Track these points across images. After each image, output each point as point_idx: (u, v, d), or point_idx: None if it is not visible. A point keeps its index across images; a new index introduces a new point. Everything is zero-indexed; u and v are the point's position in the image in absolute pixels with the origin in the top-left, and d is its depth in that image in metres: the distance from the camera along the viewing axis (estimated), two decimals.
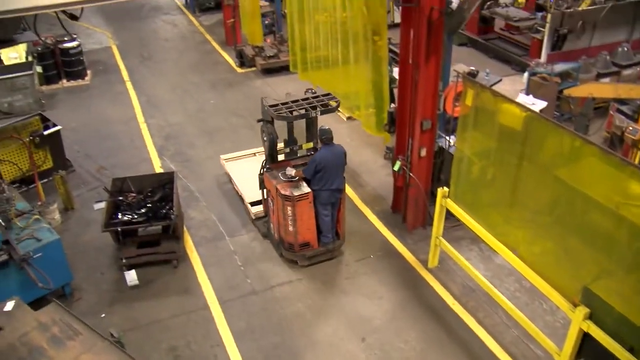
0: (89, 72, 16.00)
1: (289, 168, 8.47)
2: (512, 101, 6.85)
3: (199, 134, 12.58)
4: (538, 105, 10.42)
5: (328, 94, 9.00)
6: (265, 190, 8.95)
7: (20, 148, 10.19)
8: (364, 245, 9.16)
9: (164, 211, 8.75)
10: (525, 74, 12.83)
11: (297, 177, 8.35)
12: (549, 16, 14.02)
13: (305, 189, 8.29)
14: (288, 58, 14.08)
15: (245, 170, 10.49)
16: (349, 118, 12.79)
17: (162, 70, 16.33)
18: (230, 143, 12.07)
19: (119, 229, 8.43)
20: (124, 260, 8.57)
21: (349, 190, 10.42)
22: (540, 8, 16.31)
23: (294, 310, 8.00)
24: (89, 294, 8.34)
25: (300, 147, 9.09)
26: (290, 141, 9.02)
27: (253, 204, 9.75)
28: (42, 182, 10.25)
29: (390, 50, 11.11)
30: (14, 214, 7.89)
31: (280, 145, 9.02)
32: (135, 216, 8.68)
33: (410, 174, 8.83)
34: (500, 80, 11.55)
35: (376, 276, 8.54)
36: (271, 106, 8.49)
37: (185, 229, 9.48)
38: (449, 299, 8.08)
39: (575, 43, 14.16)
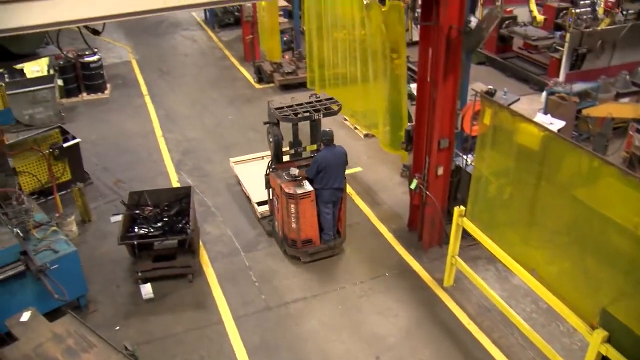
0: (108, 85, 16.19)
1: (292, 168, 8.86)
2: (530, 120, 6.82)
3: (217, 149, 12.64)
4: (556, 124, 10.37)
5: (331, 98, 9.39)
6: (270, 189, 9.31)
7: (39, 160, 10.30)
8: (380, 262, 9.12)
9: (180, 225, 8.76)
10: (544, 93, 12.78)
11: (300, 177, 8.72)
12: (568, 35, 14.00)
13: (308, 187, 8.65)
14: (306, 75, 14.16)
15: (252, 173, 10.92)
16: (366, 135, 12.79)
17: (181, 85, 16.46)
18: None
19: (135, 242, 8.46)
20: (139, 274, 8.60)
21: (365, 208, 10.42)
22: (558, 27, 16.31)
23: (309, 327, 7.97)
24: (104, 307, 8.37)
25: (305, 149, 9.53)
26: (295, 143, 9.48)
27: (259, 203, 10.13)
28: (60, 194, 10.33)
29: (409, 68, 11.12)
30: (32, 225, 7.94)
31: (286, 147, 9.39)
32: (152, 230, 8.71)
33: (427, 193, 8.80)
34: (518, 99, 11.51)
35: (391, 294, 8.50)
36: (277, 109, 8.95)
37: (201, 243, 9.50)
38: (464, 319, 8.01)
39: (595, 62, 14.10)
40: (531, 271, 6.84)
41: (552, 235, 6.65)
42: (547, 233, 6.74)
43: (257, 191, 10.22)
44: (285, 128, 9.17)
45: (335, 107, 9.09)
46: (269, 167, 9.22)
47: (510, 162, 7.12)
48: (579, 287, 6.29)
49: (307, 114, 8.91)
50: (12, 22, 5.32)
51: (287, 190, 8.57)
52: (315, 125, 9.30)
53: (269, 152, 9.52)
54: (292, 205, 8.62)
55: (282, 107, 9.01)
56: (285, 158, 9.36)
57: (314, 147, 9.43)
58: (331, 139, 8.66)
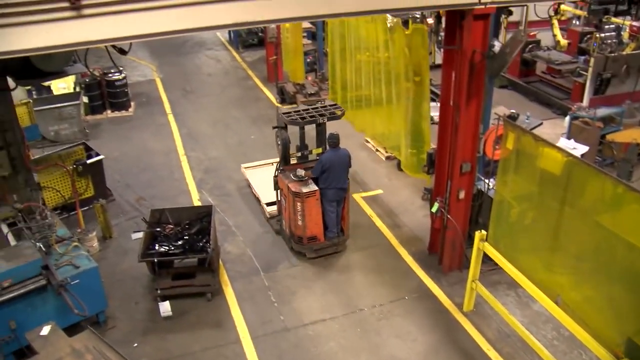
0: (132, 103, 16.39)
1: (299, 169, 9.46)
2: (553, 145, 6.78)
3: (238, 168, 12.67)
4: (579, 150, 10.28)
5: (335, 105, 10.14)
6: (279, 190, 9.91)
7: (63, 175, 10.43)
8: (399, 285, 9.07)
9: (201, 244, 8.79)
10: (567, 118, 12.69)
11: (307, 177, 9.33)
12: (592, 60, 13.90)
13: (313, 187, 9.25)
14: (328, 96, 14.22)
15: (262, 177, 11.58)
16: (387, 158, 12.77)
17: (204, 104, 16.61)
18: None
19: (156, 260, 8.50)
20: (158, 291, 8.63)
21: (385, 231, 10.39)
22: (582, 52, 16.23)
23: (327, 349, 7.92)
24: (122, 323, 8.39)
25: (311, 152, 10.17)
26: (302, 146, 10.14)
27: (268, 204, 10.76)
28: (82, 209, 10.45)
29: (431, 91, 11.14)
30: (54, 240, 8.01)
31: (293, 151, 10.04)
32: (172, 248, 8.75)
33: (448, 216, 8.75)
34: (541, 123, 11.46)
35: (410, 317, 8.42)
36: (284, 113, 9.63)
37: (220, 262, 9.52)
38: (483, 344, 7.91)
39: (619, 87, 13.97)
40: (555, 297, 6.74)
41: (575, 261, 6.58)
42: (570, 259, 6.66)
43: (266, 193, 10.85)
44: (293, 133, 9.86)
45: (338, 112, 9.73)
46: (277, 169, 9.83)
47: (532, 187, 7.07)
48: (603, 314, 6.19)
49: (313, 118, 9.51)
50: (44, 41, 5.42)
51: (293, 189, 9.17)
52: (321, 129, 9.87)
53: (277, 159, 10.05)
54: (299, 204, 9.20)
55: (290, 112, 9.68)
56: (293, 161, 10.01)
57: (320, 150, 9.98)
58: (337, 142, 9.24)
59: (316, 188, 9.23)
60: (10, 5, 5.20)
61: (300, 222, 9.35)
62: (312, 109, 9.84)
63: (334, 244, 9.72)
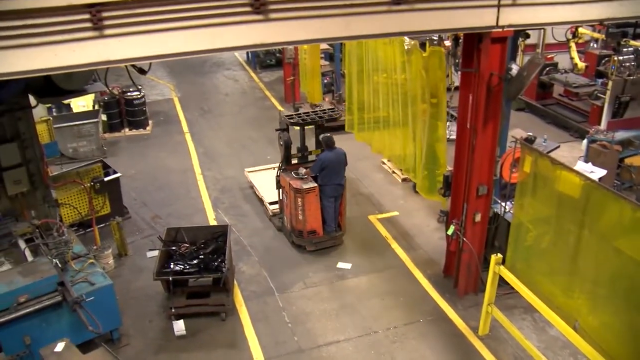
0: (150, 122, 16.55)
1: (300, 168, 10.30)
2: (570, 169, 6.73)
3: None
4: (597, 173, 10.18)
5: (332, 109, 11.07)
6: (281, 189, 10.66)
7: (80, 192, 10.51)
8: (414, 308, 9.00)
9: (216, 263, 8.79)
10: (585, 141, 12.62)
11: (307, 175, 10.11)
12: (610, 83, 13.86)
13: (313, 184, 10.05)
14: (345, 117, 14.25)
15: (264, 180, 12.33)
16: (404, 179, 12.75)
17: (221, 124, 16.72)
18: None
19: (170, 279, 8.51)
20: (173, 310, 8.62)
21: (401, 253, 10.35)
22: (600, 75, 16.15)
23: None
24: (136, 341, 8.39)
25: (310, 153, 10.94)
26: (302, 148, 10.91)
27: (271, 203, 11.53)
28: (99, 226, 10.52)
29: (448, 113, 11.15)
30: (70, 256, 8.07)
31: (294, 152, 10.83)
32: (187, 267, 8.76)
33: (464, 239, 8.70)
34: (558, 146, 11.39)
35: (425, 341, 8.35)
36: (286, 116, 10.60)
37: (235, 282, 9.50)
38: None
39: (638, 110, 13.89)
40: (573, 323, 6.65)
41: (593, 286, 6.49)
42: (588, 284, 6.58)
43: (268, 194, 11.71)
44: (294, 135, 10.71)
45: (335, 116, 10.82)
46: (279, 169, 10.63)
47: (550, 211, 7.01)
48: (622, 341, 6.09)
49: (313, 120, 10.49)
50: (66, 60, 5.51)
51: (295, 186, 9.97)
52: (320, 131, 10.69)
53: (278, 164, 10.96)
54: (299, 199, 9.97)
55: (292, 115, 10.66)
56: (294, 161, 10.79)
57: (319, 151, 10.70)
58: (333, 143, 10.15)
59: (315, 185, 10.01)
60: (34, 25, 5.29)
61: (300, 217, 10.12)
62: (312, 112, 10.94)
63: (332, 238, 10.49)
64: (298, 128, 10.75)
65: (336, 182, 10.13)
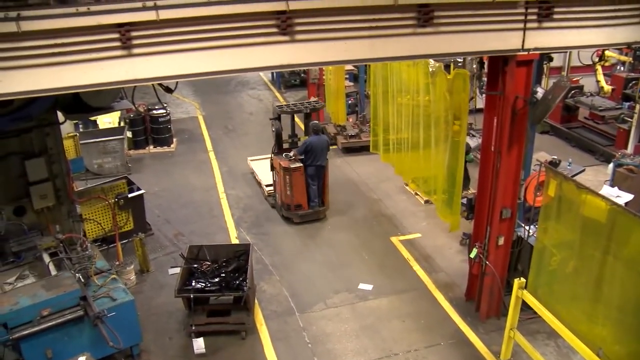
0: (175, 139, 16.71)
1: (292, 151, 12.00)
2: (596, 193, 6.65)
3: None
4: (623, 198, 10.05)
5: (317, 101, 13.44)
6: (274, 171, 12.42)
7: (104, 208, 10.61)
8: (435, 331, 8.91)
9: (237, 282, 8.80)
10: (610, 165, 12.48)
11: (294, 157, 11.79)
12: (638, 106, 13.72)
13: (299, 164, 11.79)
14: (369, 138, 14.31)
15: (263, 167, 13.69)
16: (426, 202, 12.68)
17: (245, 143, 16.82)
18: None
19: (192, 296, 8.53)
20: (193, 327, 8.64)
21: (422, 275, 10.28)
22: (627, 98, 16.01)
23: None
24: (156, 357, 8.41)
25: (299, 139, 12.87)
26: (292, 134, 13.00)
27: (267, 185, 13.30)
28: (122, 242, 10.60)
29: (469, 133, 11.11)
30: (93, 271, 8.13)
31: (285, 138, 12.80)
32: (209, 284, 8.77)
33: (487, 262, 8.62)
34: (583, 170, 11.29)
35: None
36: (278, 106, 12.82)
37: (256, 301, 9.49)
38: None
39: None
40: (597, 350, 6.53)
41: (618, 313, 6.37)
42: (613, 310, 6.46)
43: (266, 178, 13.38)
44: (286, 123, 12.69)
45: (317, 106, 13.07)
46: (272, 152, 12.49)
47: (574, 235, 6.91)
48: None
49: (297, 109, 12.64)
50: (95, 78, 5.61)
51: (284, 165, 11.76)
52: (308, 121, 12.71)
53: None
54: (287, 177, 11.74)
55: (282, 106, 12.82)
56: (285, 146, 12.72)
57: (306, 138, 12.27)
58: (319, 129, 11.98)
59: (301, 165, 11.77)
60: (65, 44, 5.40)
61: (288, 192, 11.85)
62: (300, 104, 13.12)
63: (316, 212, 12.21)
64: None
65: (318, 164, 11.84)
